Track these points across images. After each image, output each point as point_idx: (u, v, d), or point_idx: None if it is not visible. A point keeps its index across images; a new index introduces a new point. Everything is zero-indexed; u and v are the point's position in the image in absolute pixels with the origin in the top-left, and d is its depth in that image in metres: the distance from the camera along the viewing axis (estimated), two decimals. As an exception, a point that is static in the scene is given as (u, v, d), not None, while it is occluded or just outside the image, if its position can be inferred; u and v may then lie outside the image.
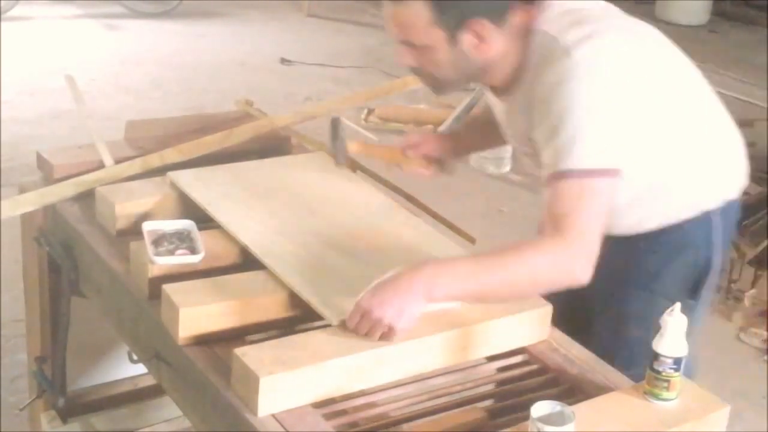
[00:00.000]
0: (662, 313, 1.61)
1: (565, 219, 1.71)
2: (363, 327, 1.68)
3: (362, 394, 1.69)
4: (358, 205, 2.16)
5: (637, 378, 1.70)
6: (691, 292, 2.01)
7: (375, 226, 2.07)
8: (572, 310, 1.99)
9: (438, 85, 1.91)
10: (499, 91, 1.93)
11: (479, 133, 2.29)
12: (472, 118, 2.27)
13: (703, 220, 1.99)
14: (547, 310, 1.87)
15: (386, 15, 1.81)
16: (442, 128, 5.28)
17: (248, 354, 1.61)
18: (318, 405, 1.63)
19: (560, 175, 1.73)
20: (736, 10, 8.81)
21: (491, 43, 1.79)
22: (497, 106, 2.00)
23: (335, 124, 2.23)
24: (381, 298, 1.68)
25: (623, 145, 1.77)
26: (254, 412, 1.57)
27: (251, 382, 1.57)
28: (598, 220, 1.73)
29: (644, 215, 1.97)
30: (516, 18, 1.80)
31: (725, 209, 2.03)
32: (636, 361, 1.75)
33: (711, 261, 2.03)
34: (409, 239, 2.04)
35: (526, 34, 1.81)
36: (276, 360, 1.60)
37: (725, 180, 2.05)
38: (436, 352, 1.74)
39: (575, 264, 1.71)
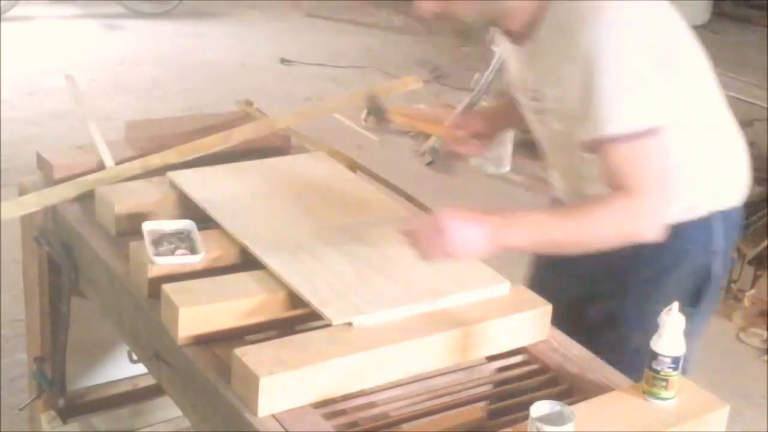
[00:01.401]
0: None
1: (629, 181, 1.74)
2: (429, 240, 1.71)
3: (362, 394, 1.69)
4: (359, 205, 2.16)
5: None
6: (692, 299, 2.00)
7: (375, 226, 2.07)
8: (572, 317, 1.99)
9: (461, 28, 1.91)
10: (516, 36, 1.91)
11: (510, 111, 2.25)
12: (502, 100, 2.30)
13: (704, 225, 1.98)
14: (547, 309, 1.87)
15: None
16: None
17: (248, 354, 1.61)
18: (318, 405, 1.63)
19: (609, 141, 1.74)
20: (736, 10, 8.81)
21: None
22: (512, 55, 1.99)
23: (372, 98, 2.21)
24: (459, 225, 1.71)
25: (659, 104, 1.78)
26: (254, 412, 1.58)
27: (251, 382, 1.57)
28: (660, 177, 1.76)
29: None
30: None
31: (726, 215, 2.02)
32: (637, 370, 1.75)
33: (711, 268, 2.02)
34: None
35: None
36: (276, 360, 1.60)
37: (728, 184, 2.05)
38: (436, 352, 1.74)
39: (643, 222, 1.75)
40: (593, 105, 1.74)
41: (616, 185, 1.76)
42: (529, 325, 1.85)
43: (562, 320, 1.91)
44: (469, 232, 1.72)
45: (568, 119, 1.83)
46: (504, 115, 2.29)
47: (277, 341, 1.67)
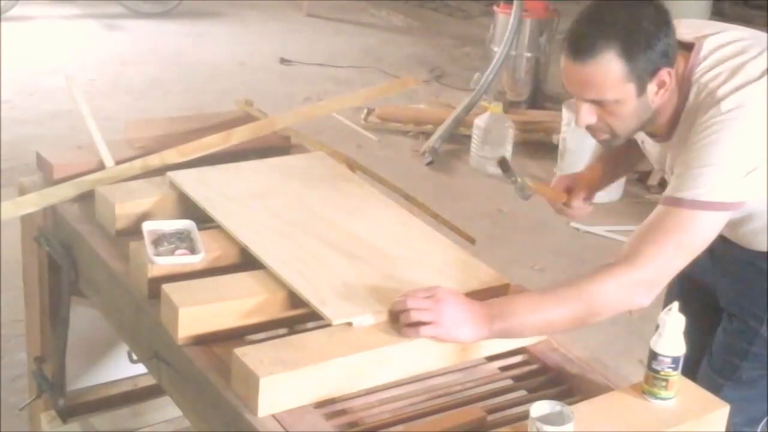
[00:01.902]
0: None
1: (646, 246, 1.71)
2: (420, 306, 1.68)
3: (362, 394, 1.69)
4: (358, 205, 2.16)
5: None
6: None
7: (375, 227, 2.07)
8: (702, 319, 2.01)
9: (613, 139, 1.88)
10: (659, 137, 1.93)
11: (613, 166, 2.30)
12: (604, 154, 2.31)
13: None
14: None
15: (571, 75, 1.77)
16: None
17: (248, 354, 1.61)
18: (318, 405, 1.63)
19: (674, 201, 1.73)
20: (735, 10, 8.81)
21: (668, 89, 1.80)
22: (654, 148, 2.00)
23: (504, 164, 2.14)
24: (456, 302, 1.69)
25: (753, 184, 1.76)
26: (254, 412, 1.58)
27: (251, 382, 1.57)
28: (683, 253, 1.73)
29: None
30: (679, 65, 1.81)
31: None
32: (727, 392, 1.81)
33: None
34: (408, 240, 2.04)
35: (685, 80, 1.81)
36: (276, 360, 1.60)
37: None
38: (436, 353, 1.74)
39: (636, 288, 1.70)
40: (684, 170, 1.74)
41: (636, 241, 1.73)
42: None
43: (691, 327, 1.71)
44: (462, 314, 1.69)
45: None
46: (606, 172, 2.31)
47: (277, 341, 1.67)
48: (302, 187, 2.21)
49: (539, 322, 1.71)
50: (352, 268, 1.88)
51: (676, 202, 1.73)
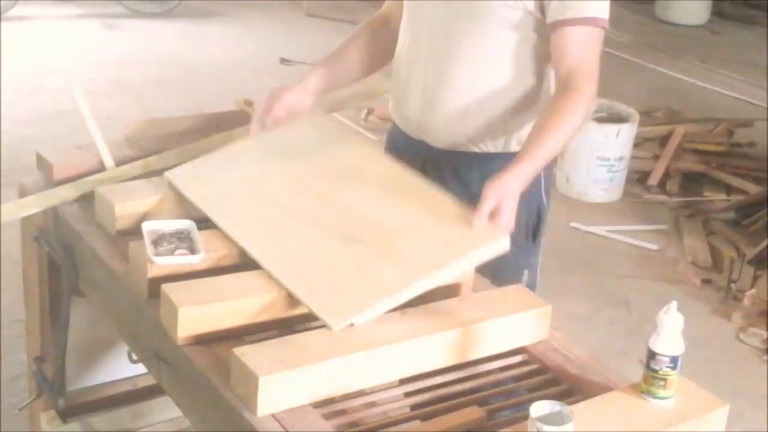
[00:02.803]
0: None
1: (586, 66, 2.04)
2: (496, 214, 1.89)
3: (362, 394, 1.69)
4: (355, 170, 2.12)
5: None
6: (533, 235, 2.28)
7: (373, 194, 2.03)
8: None
9: None
10: None
11: (355, 59, 2.49)
12: (347, 46, 2.54)
13: None
14: (547, 310, 1.87)
15: None
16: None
17: (248, 354, 1.61)
18: (318, 405, 1.63)
19: (583, 21, 2.04)
20: (736, 10, 8.80)
21: None
22: None
23: None
24: (506, 184, 1.92)
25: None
26: (254, 412, 1.58)
27: (251, 381, 1.57)
28: (597, 65, 2.08)
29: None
30: None
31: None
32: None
33: (543, 203, 2.27)
34: (407, 202, 2.00)
35: None
36: (275, 360, 1.60)
37: None
38: (436, 352, 1.74)
39: (590, 106, 2.08)
40: None
41: (577, 66, 2.04)
42: (529, 325, 1.85)
43: None
44: (513, 188, 1.93)
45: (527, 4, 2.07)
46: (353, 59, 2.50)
47: (276, 341, 1.67)
48: (298, 161, 2.17)
49: (560, 143, 2.04)
50: (349, 257, 1.86)
51: (590, 22, 2.05)
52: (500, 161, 2.06)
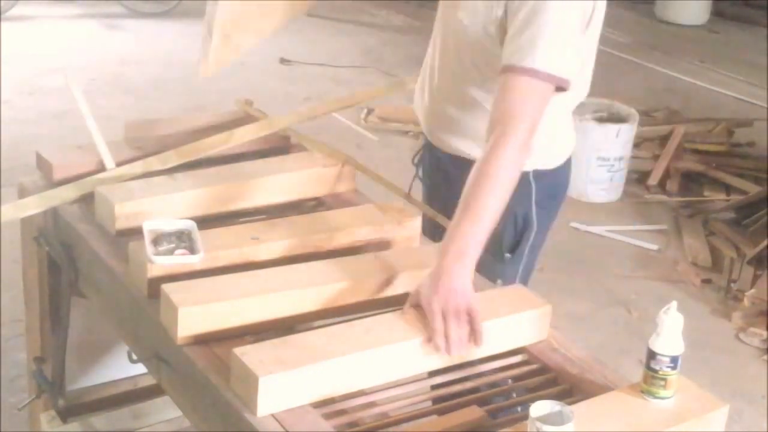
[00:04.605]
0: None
1: (515, 114, 1.88)
2: (449, 327, 1.72)
3: (362, 393, 1.69)
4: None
5: None
6: (512, 247, 2.24)
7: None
8: None
9: None
10: None
11: None
12: None
13: (523, 181, 2.07)
14: (547, 310, 1.87)
15: None
16: None
17: (247, 353, 1.61)
18: (318, 405, 1.63)
19: (519, 70, 1.90)
20: (736, 10, 8.79)
21: None
22: None
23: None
24: (444, 290, 1.74)
25: (573, 63, 1.97)
26: (254, 412, 1.58)
27: (251, 381, 1.57)
28: (537, 118, 1.92)
29: None
30: None
31: (541, 174, 2.20)
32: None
33: (530, 217, 2.23)
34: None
35: None
36: (275, 360, 1.60)
37: (553, 148, 2.24)
38: (435, 353, 1.74)
39: (524, 153, 1.90)
40: (521, 36, 1.91)
41: (504, 114, 1.89)
42: (528, 325, 1.85)
43: None
44: (461, 289, 1.75)
45: (487, 27, 2.02)
46: None
47: (276, 341, 1.67)
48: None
49: (490, 215, 1.83)
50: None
51: (526, 72, 1.90)
52: None
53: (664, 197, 5.04)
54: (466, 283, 1.76)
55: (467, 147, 2.19)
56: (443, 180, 2.30)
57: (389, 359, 1.69)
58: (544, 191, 2.25)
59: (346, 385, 1.66)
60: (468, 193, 1.84)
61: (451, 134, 2.24)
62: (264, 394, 1.57)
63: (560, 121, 2.22)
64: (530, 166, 2.14)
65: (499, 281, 2.14)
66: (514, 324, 1.83)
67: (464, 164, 2.15)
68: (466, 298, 1.74)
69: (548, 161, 2.24)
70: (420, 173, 2.47)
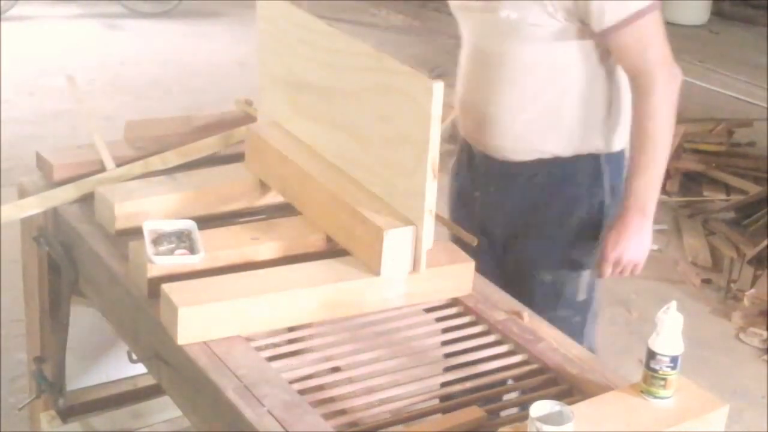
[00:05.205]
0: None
1: (650, 58, 2.03)
2: (617, 272, 2.08)
3: (362, 393, 1.69)
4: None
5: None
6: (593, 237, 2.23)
7: None
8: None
9: None
10: None
11: None
12: None
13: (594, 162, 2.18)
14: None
15: None
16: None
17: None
18: (317, 404, 1.63)
19: (627, 21, 1.99)
20: (736, 10, 8.79)
21: None
22: None
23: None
24: (624, 245, 2.06)
25: None
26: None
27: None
28: (666, 44, 2.07)
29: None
30: None
31: (611, 157, 2.21)
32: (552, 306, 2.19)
33: (605, 202, 2.22)
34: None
35: None
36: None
37: (621, 128, 2.21)
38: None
39: (674, 85, 2.07)
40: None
41: (648, 59, 2.03)
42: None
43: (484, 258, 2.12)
44: (636, 241, 2.07)
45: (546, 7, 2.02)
46: None
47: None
48: None
49: (658, 165, 2.07)
50: None
51: (640, 14, 2.00)
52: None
53: (664, 197, 5.04)
54: (645, 239, 2.08)
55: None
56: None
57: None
58: (616, 176, 2.21)
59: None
60: (634, 148, 2.05)
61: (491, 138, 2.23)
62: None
63: (625, 99, 2.17)
64: (602, 148, 2.16)
65: (585, 272, 2.24)
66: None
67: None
68: (639, 255, 2.09)
69: (618, 141, 2.21)
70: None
